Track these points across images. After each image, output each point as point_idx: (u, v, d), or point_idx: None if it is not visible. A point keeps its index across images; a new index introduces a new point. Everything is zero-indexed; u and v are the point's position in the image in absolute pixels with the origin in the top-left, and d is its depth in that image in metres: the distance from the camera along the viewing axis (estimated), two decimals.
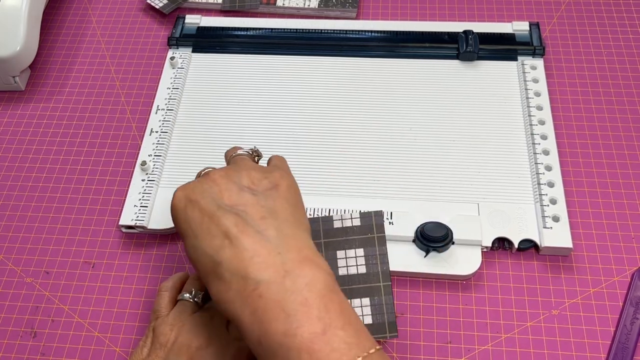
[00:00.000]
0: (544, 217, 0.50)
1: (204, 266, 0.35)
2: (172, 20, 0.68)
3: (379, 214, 0.47)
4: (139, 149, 0.57)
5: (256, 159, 0.45)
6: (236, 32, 0.65)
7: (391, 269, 0.49)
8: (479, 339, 0.47)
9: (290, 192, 0.39)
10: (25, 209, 0.56)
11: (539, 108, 0.57)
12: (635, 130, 0.57)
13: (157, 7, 0.68)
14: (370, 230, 0.47)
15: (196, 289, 0.44)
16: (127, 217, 0.52)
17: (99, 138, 0.60)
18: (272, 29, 0.65)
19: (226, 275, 0.34)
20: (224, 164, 0.55)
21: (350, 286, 0.46)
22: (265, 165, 0.44)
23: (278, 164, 0.44)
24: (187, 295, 0.43)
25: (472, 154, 0.55)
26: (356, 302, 0.45)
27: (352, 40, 0.63)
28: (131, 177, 0.55)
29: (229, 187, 0.38)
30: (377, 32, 0.64)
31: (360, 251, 0.46)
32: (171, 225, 0.52)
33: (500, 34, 0.62)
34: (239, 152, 0.44)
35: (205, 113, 0.59)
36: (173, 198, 0.38)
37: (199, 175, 0.42)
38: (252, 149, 0.45)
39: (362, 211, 0.48)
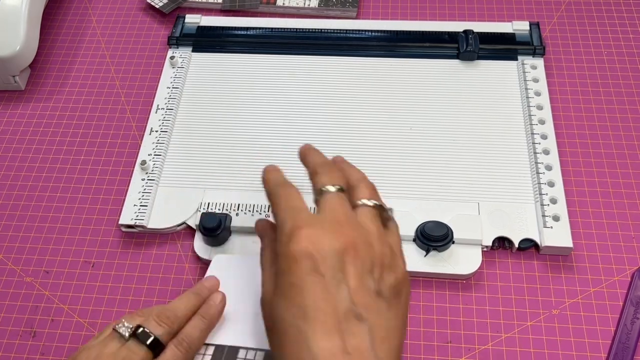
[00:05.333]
0: (544, 216, 0.50)
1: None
2: (172, 20, 0.68)
3: None
4: (139, 149, 0.57)
5: (381, 216, 0.36)
6: (236, 32, 0.65)
7: None
8: (479, 338, 0.47)
9: (407, 305, 0.34)
10: (25, 208, 0.56)
11: (539, 107, 0.57)
12: (636, 130, 0.57)
13: (157, 6, 0.68)
14: None
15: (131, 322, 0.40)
16: (127, 217, 0.52)
17: (98, 137, 0.60)
18: (272, 28, 0.65)
19: None
20: (222, 163, 0.56)
21: None
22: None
23: (393, 230, 0.37)
24: (120, 326, 0.40)
25: (472, 154, 0.55)
26: None
27: (352, 39, 0.63)
28: (131, 177, 0.55)
29: (363, 279, 0.32)
30: (377, 31, 0.64)
31: None
32: (171, 224, 0.52)
33: (501, 33, 0.62)
34: (364, 198, 0.36)
35: (205, 112, 0.59)
36: (295, 244, 0.32)
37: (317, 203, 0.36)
38: (376, 204, 0.36)
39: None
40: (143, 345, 0.39)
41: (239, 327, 0.43)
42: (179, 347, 0.39)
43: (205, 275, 0.46)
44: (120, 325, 0.40)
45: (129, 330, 0.39)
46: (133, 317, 0.40)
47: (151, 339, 0.39)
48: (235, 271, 0.46)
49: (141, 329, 0.39)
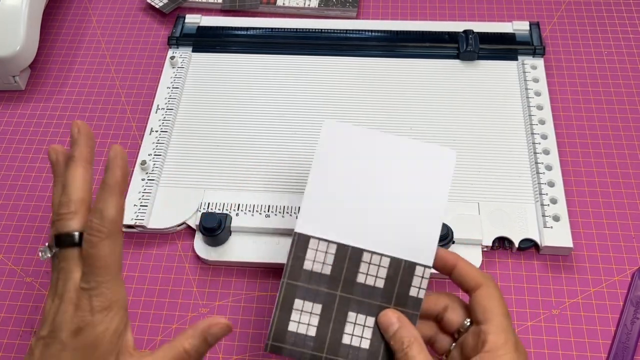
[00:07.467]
0: (544, 216, 0.50)
1: None
2: (172, 20, 0.68)
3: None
4: (139, 149, 0.57)
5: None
6: (236, 32, 0.65)
7: None
8: None
9: None
10: (25, 208, 0.56)
11: (539, 107, 0.57)
12: (636, 130, 0.57)
13: (157, 6, 0.68)
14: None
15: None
16: (127, 217, 0.52)
17: (99, 137, 0.60)
18: (272, 28, 0.65)
19: None
20: (222, 163, 0.56)
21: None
22: None
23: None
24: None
25: (472, 154, 0.55)
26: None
27: (352, 40, 0.63)
28: (131, 177, 0.55)
29: None
30: (377, 31, 0.64)
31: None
32: (171, 224, 0.52)
33: (501, 33, 0.62)
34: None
35: (205, 112, 0.59)
36: None
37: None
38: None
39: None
40: (70, 248, 0.34)
41: (358, 222, 0.39)
42: (91, 233, 0.33)
43: (319, 145, 0.39)
44: (40, 251, 0.35)
45: (48, 251, 0.34)
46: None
47: (71, 237, 0.34)
48: (349, 144, 0.39)
49: (56, 238, 0.34)
